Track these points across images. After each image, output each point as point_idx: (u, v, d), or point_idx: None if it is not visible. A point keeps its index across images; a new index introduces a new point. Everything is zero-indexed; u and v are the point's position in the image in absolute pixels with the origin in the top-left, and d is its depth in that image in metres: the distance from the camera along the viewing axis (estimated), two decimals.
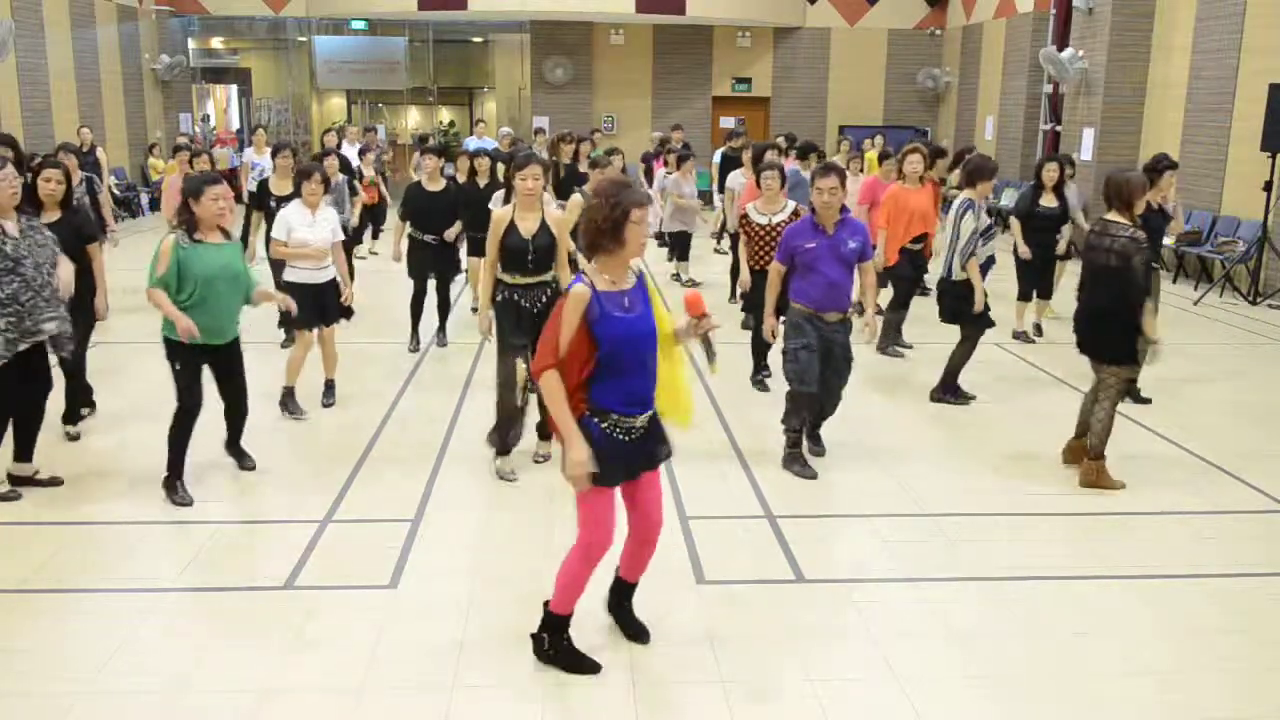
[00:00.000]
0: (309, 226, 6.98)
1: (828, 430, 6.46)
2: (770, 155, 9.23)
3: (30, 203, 5.83)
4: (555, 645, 3.98)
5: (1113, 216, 5.80)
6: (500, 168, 10.50)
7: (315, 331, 7.13)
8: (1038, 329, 9.73)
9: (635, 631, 4.20)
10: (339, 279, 7.13)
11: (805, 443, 6.27)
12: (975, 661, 4.11)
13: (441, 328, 9.17)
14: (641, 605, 4.48)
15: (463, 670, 3.97)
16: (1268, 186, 11.46)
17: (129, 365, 8.27)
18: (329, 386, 7.35)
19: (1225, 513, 5.71)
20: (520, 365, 5.46)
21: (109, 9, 18.50)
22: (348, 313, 7.23)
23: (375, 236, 14.11)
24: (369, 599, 4.54)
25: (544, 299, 5.86)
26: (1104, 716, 3.77)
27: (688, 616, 4.42)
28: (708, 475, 6.06)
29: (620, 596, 4.23)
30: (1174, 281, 13.00)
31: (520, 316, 5.86)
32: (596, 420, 3.71)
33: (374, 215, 13.84)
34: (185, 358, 5.49)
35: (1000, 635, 4.32)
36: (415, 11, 19.46)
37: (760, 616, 4.45)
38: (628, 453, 3.77)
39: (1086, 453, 6.01)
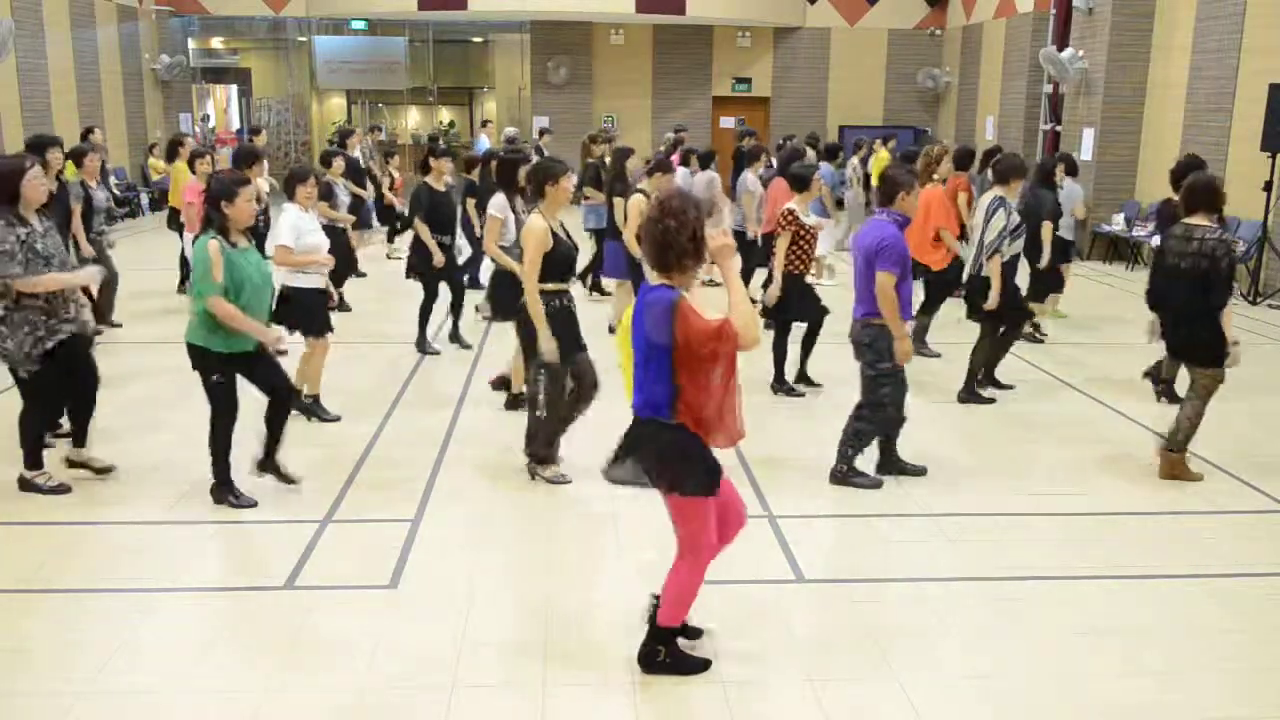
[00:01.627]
0: (314, 231, 6.83)
1: (825, 431, 6.45)
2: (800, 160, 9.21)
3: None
4: (670, 654, 3.97)
5: (1197, 220, 5.82)
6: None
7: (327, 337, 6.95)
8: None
9: (696, 631, 4.19)
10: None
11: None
12: (975, 661, 4.11)
13: (455, 327, 9.10)
14: (642, 605, 4.49)
15: (463, 670, 3.97)
16: (1268, 186, 11.46)
17: (131, 368, 8.26)
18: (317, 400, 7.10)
19: (1225, 513, 5.71)
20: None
21: (109, 9, 18.50)
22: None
23: (391, 240, 14.12)
24: (369, 599, 4.54)
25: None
26: (1104, 716, 3.77)
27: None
28: None
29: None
30: None
31: (575, 322, 5.81)
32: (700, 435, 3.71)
33: (393, 216, 13.90)
34: (225, 368, 5.31)
35: (1000, 635, 4.32)
36: (415, 11, 19.46)
37: (760, 616, 4.45)
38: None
39: (1164, 446, 6.09)
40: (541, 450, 5.89)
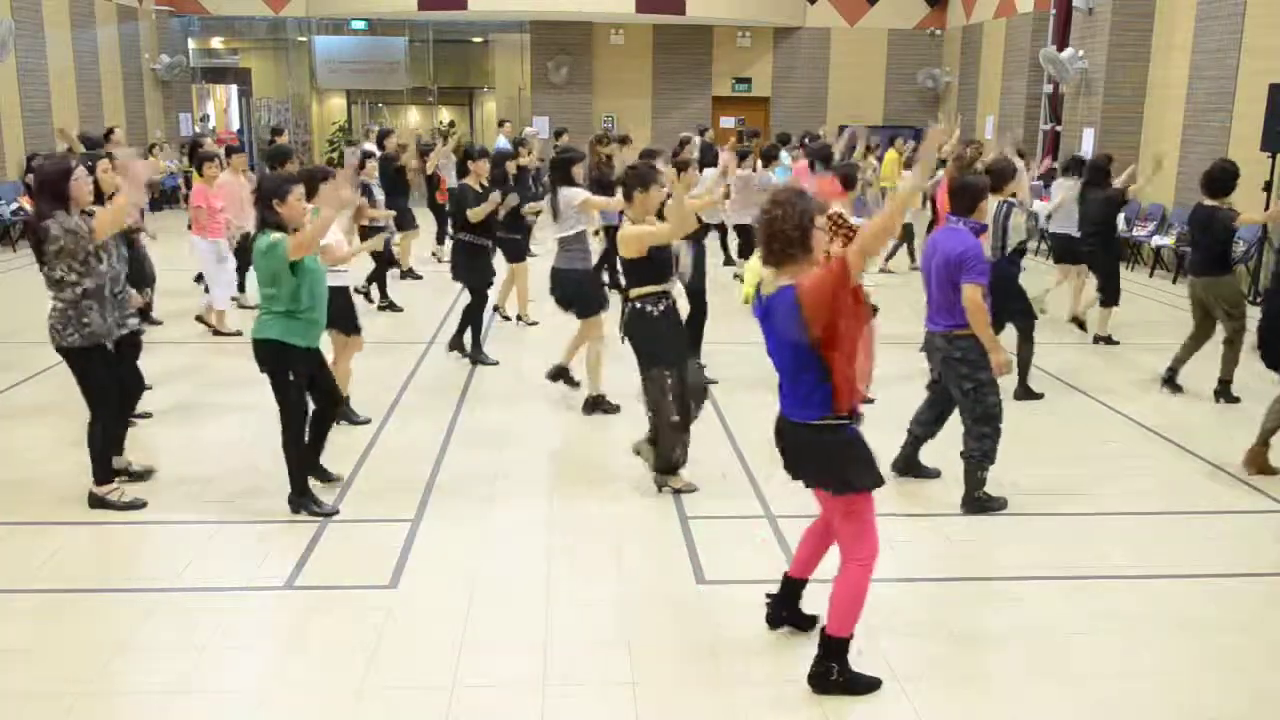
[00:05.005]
0: (332, 231, 6.73)
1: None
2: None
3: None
4: (844, 673, 3.83)
5: None
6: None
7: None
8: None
9: (811, 620, 4.23)
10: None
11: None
12: (975, 661, 4.11)
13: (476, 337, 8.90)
14: (642, 605, 4.50)
15: (463, 670, 3.97)
16: (1268, 186, 11.46)
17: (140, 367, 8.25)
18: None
19: (1226, 513, 5.71)
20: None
21: (109, 9, 18.50)
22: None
23: (440, 241, 13.90)
24: (369, 599, 4.54)
25: None
26: (1104, 716, 3.77)
27: (688, 617, 4.42)
28: (708, 475, 6.04)
29: (796, 597, 4.23)
30: (1174, 281, 13.01)
31: (681, 324, 5.83)
32: (854, 424, 3.79)
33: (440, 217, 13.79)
34: (298, 365, 5.29)
35: (1000, 635, 4.32)
36: (415, 11, 19.47)
37: (760, 616, 4.44)
38: None
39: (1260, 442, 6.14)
40: (669, 460, 5.73)
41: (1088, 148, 14.73)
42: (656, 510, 5.56)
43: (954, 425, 7.13)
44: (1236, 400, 7.70)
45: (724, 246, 13.26)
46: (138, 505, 5.41)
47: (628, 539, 5.22)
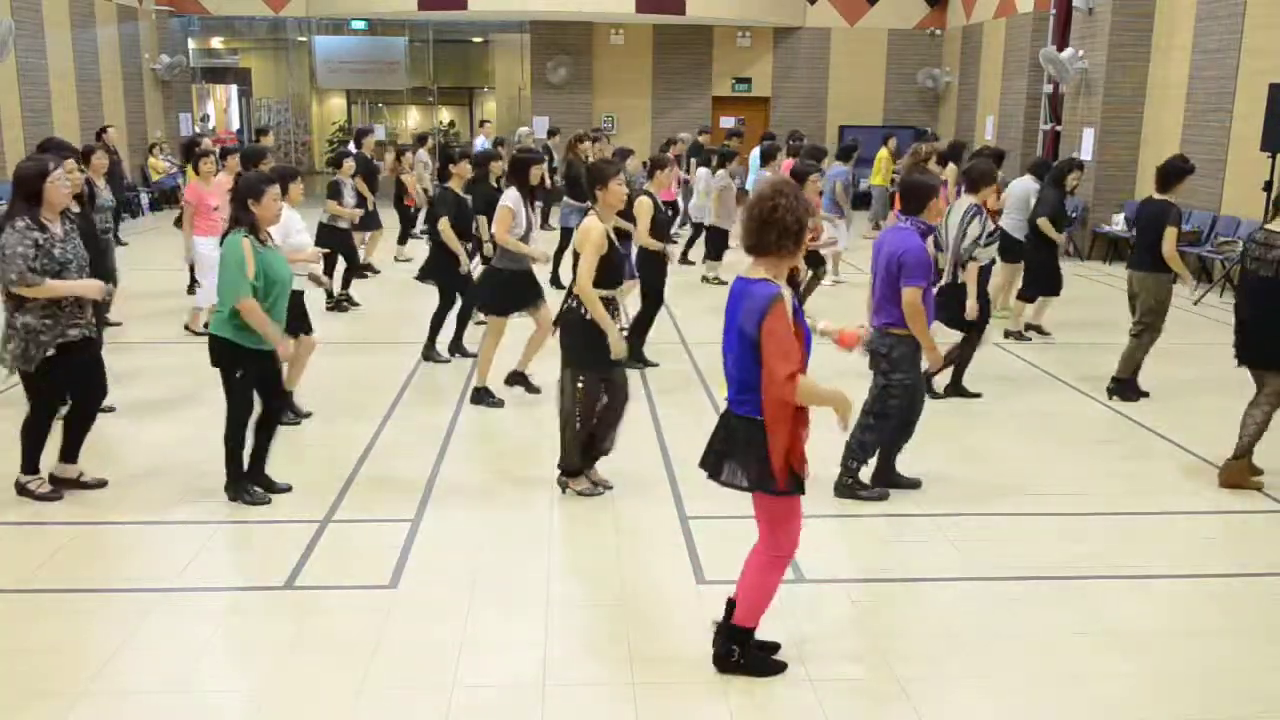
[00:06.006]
0: (300, 231, 6.73)
1: (826, 432, 6.42)
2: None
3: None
4: (745, 655, 3.92)
5: (1277, 225, 5.71)
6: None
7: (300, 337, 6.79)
8: (1036, 329, 9.78)
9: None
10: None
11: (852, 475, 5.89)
12: (975, 661, 4.11)
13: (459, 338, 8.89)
14: (642, 605, 4.50)
15: (463, 670, 3.97)
16: (1268, 186, 11.46)
17: (134, 367, 8.25)
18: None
19: (1226, 513, 5.71)
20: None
21: (109, 9, 18.50)
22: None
23: (402, 242, 13.93)
24: (369, 599, 4.54)
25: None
26: (1104, 717, 3.77)
27: (688, 616, 4.42)
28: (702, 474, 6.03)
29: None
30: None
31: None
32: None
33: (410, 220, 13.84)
34: (249, 365, 5.36)
35: (1000, 635, 4.32)
36: (415, 11, 19.47)
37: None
38: None
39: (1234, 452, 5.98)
40: (573, 463, 5.71)
41: (1088, 148, 14.74)
42: (656, 510, 5.56)
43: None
44: (1146, 395, 7.68)
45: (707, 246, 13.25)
46: (54, 498, 5.51)
47: (627, 539, 5.22)
